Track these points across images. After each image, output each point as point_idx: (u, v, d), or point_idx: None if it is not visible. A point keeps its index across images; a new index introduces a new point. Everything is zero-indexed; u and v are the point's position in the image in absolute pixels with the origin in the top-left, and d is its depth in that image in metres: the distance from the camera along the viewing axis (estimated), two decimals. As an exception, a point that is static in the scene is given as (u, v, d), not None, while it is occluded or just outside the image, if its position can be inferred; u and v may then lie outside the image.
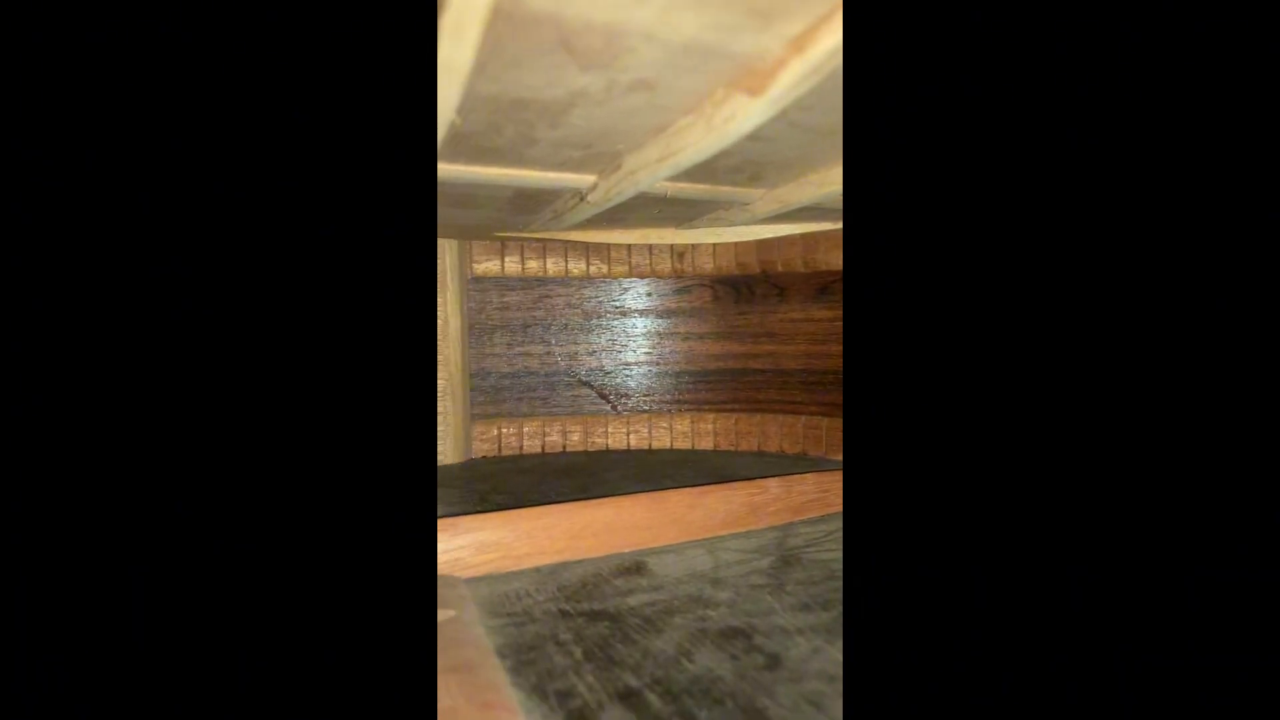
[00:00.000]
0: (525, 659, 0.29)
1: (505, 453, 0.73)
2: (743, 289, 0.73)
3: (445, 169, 0.37)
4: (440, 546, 0.38)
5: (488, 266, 0.71)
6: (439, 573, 0.37)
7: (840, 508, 0.49)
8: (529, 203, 0.48)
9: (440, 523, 0.39)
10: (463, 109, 0.25)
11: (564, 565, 0.39)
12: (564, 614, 0.33)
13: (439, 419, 0.68)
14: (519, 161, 0.37)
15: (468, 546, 0.38)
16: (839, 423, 0.65)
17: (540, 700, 0.25)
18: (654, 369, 0.75)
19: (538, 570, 0.39)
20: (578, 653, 0.29)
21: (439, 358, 0.68)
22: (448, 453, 0.69)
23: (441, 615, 0.32)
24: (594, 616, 0.33)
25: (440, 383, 0.68)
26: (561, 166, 0.38)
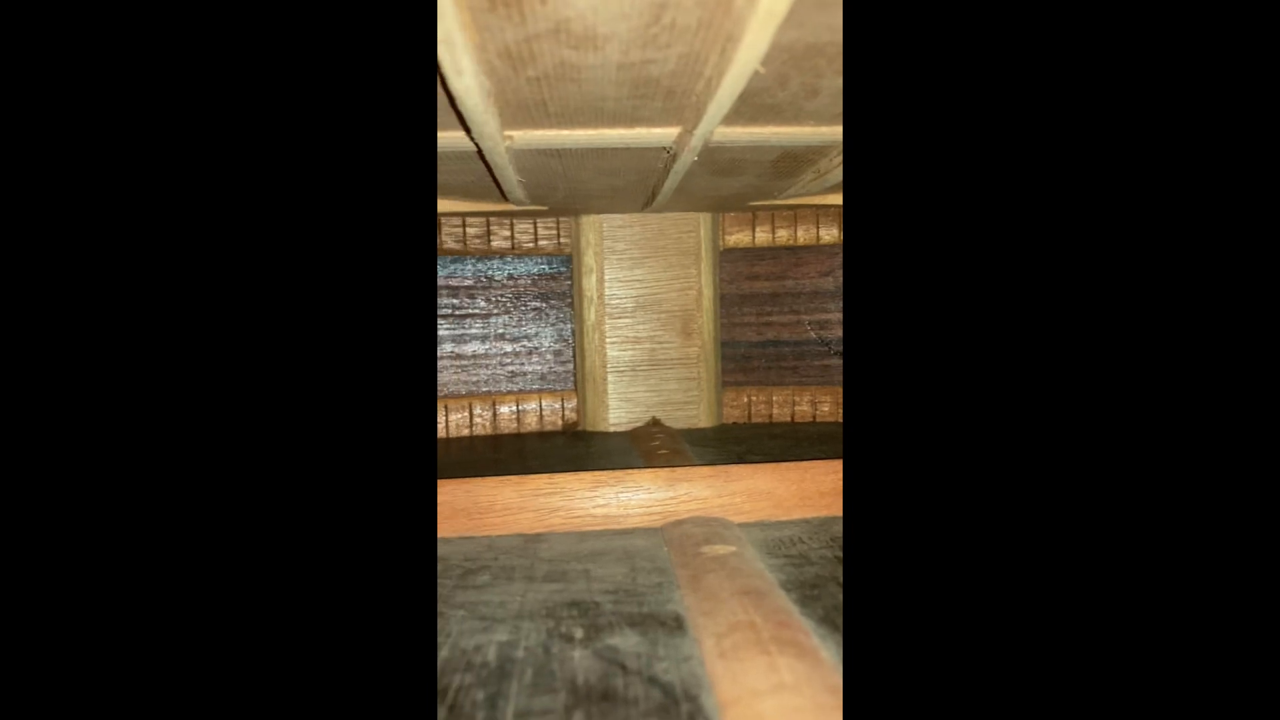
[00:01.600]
0: (809, 594, 0.29)
1: (755, 420, 0.75)
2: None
3: (724, 132, 0.38)
4: (712, 491, 0.40)
5: (739, 238, 0.73)
6: (712, 515, 0.40)
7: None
8: (793, 164, 0.49)
9: (712, 469, 0.41)
10: (766, 59, 0.27)
11: (833, 519, 0.40)
12: (840, 560, 0.33)
13: (694, 384, 0.72)
14: (796, 117, 0.37)
15: (739, 493, 0.40)
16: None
17: (831, 629, 0.26)
18: (912, 338, 0.72)
19: (807, 521, 0.39)
20: (862, 594, 0.29)
21: (693, 326, 0.71)
22: (701, 417, 0.72)
23: (723, 549, 0.34)
24: (873, 565, 0.33)
25: (694, 350, 0.72)
26: (836, 119, 0.38)
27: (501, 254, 0.72)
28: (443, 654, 0.25)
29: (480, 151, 0.39)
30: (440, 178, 0.50)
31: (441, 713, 0.21)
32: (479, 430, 0.72)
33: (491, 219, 0.71)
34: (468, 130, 0.35)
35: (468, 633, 0.26)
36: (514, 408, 0.73)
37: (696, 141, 0.38)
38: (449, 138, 0.38)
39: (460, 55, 0.25)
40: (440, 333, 0.72)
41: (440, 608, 0.29)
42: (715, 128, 0.36)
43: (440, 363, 0.72)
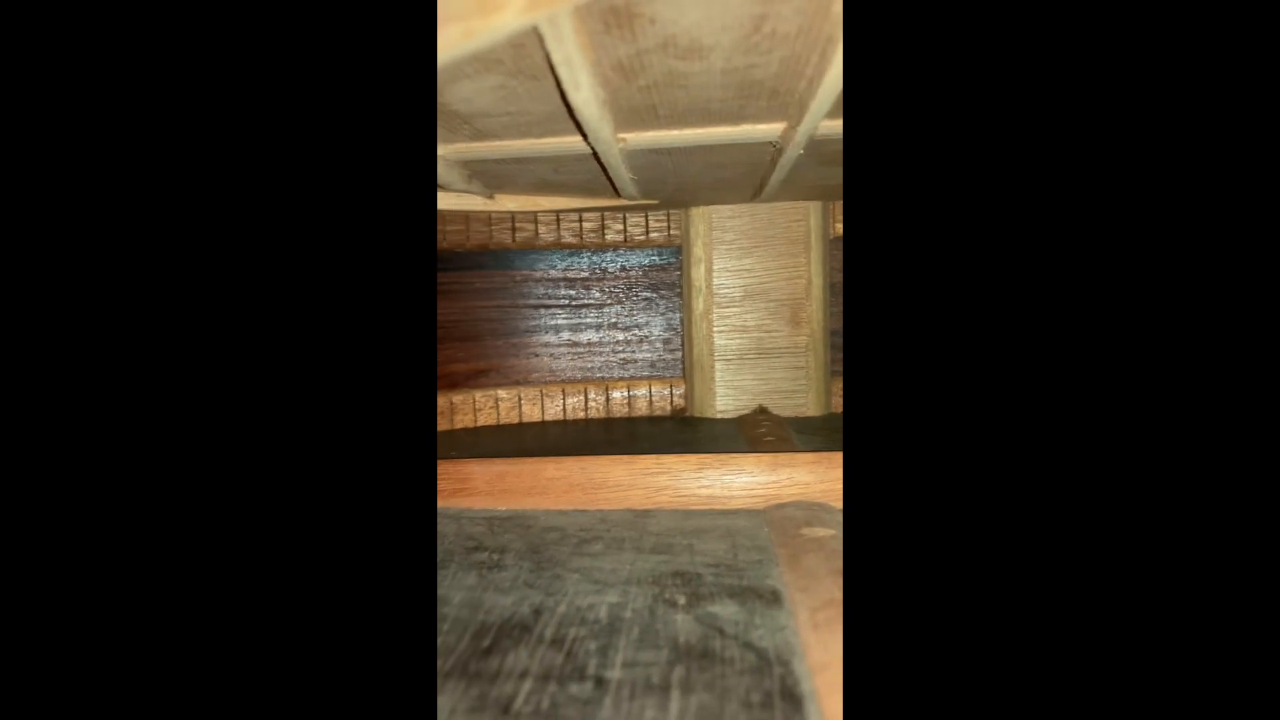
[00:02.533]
0: (906, 578, 0.30)
1: (864, 409, 0.74)
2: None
3: (829, 125, 0.39)
4: (815, 477, 0.41)
5: (850, 226, 0.73)
6: (814, 500, 0.41)
7: None
8: (903, 153, 0.48)
9: (815, 455, 0.42)
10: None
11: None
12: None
13: (802, 373, 0.72)
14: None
15: (840, 480, 0.41)
16: None
17: (926, 611, 0.27)
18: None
19: (910, 509, 0.40)
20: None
21: (802, 315, 0.72)
22: (809, 405, 0.72)
23: (823, 532, 0.35)
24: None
25: (802, 339, 0.72)
26: (946, 108, 0.38)
27: (615, 247, 0.75)
28: (560, 609, 0.28)
29: (596, 153, 0.42)
30: (558, 177, 0.54)
31: (559, 658, 0.24)
32: (593, 413, 0.76)
33: (606, 214, 0.74)
34: (584, 135, 0.37)
35: (582, 593, 0.29)
36: (625, 393, 0.76)
37: (801, 136, 0.39)
38: (567, 142, 0.41)
39: (578, 72, 0.28)
40: (558, 322, 0.76)
41: (558, 570, 0.32)
42: (820, 122, 0.37)
43: (558, 350, 0.76)
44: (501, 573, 0.32)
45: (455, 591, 0.30)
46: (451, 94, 0.33)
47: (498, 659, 0.24)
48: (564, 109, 0.34)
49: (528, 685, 0.23)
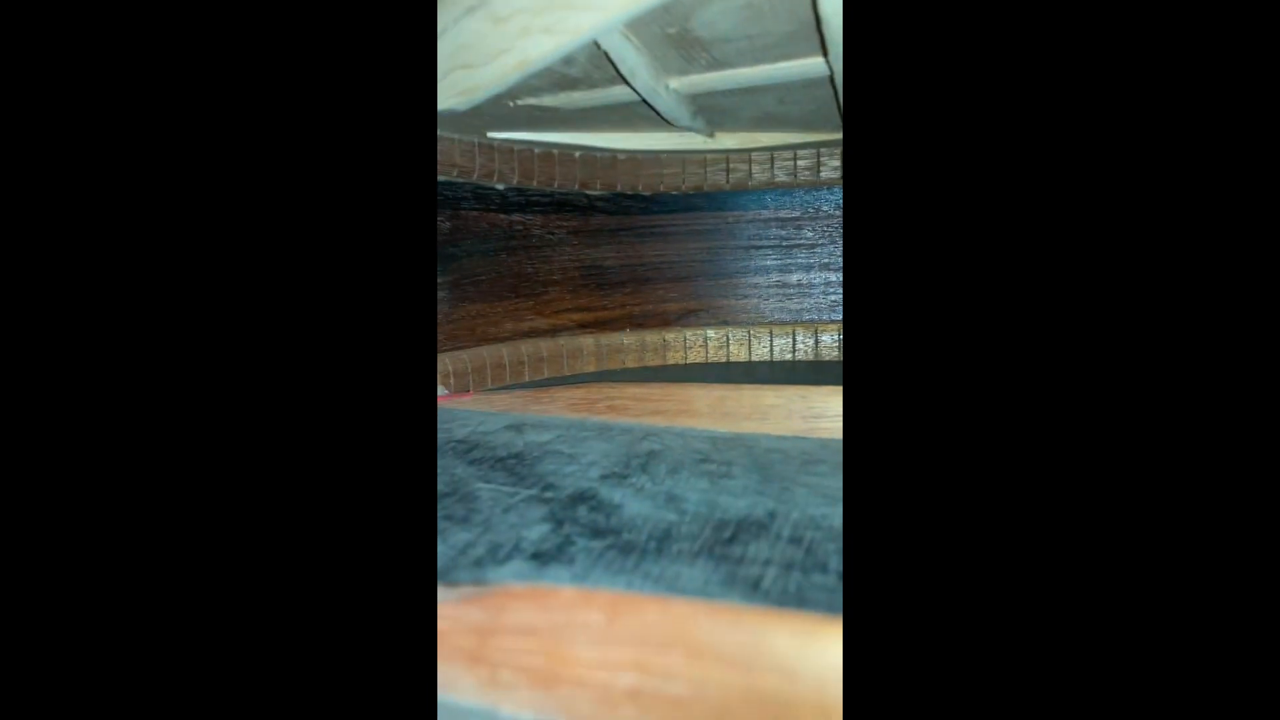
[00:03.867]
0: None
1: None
2: None
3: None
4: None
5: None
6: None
7: None
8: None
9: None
10: None
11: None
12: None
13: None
14: None
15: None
16: None
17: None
18: None
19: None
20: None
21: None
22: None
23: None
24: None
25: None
26: None
27: (830, 185, 0.73)
28: (794, 515, 0.29)
29: (831, 74, 0.41)
30: (782, 108, 0.53)
31: (799, 553, 0.25)
32: (800, 356, 0.76)
33: (822, 150, 0.72)
34: (825, 53, 0.37)
35: (813, 504, 0.30)
36: (836, 336, 0.75)
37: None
38: (801, 65, 0.41)
39: (833, -23, 0.27)
40: (767, 263, 0.76)
41: (786, 484, 0.33)
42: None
43: (766, 290, 0.76)
44: (731, 480, 0.34)
45: (690, 493, 0.32)
46: (696, 19, 0.34)
47: (740, 548, 0.26)
48: (806, 26, 0.33)
49: (772, 571, 0.24)
